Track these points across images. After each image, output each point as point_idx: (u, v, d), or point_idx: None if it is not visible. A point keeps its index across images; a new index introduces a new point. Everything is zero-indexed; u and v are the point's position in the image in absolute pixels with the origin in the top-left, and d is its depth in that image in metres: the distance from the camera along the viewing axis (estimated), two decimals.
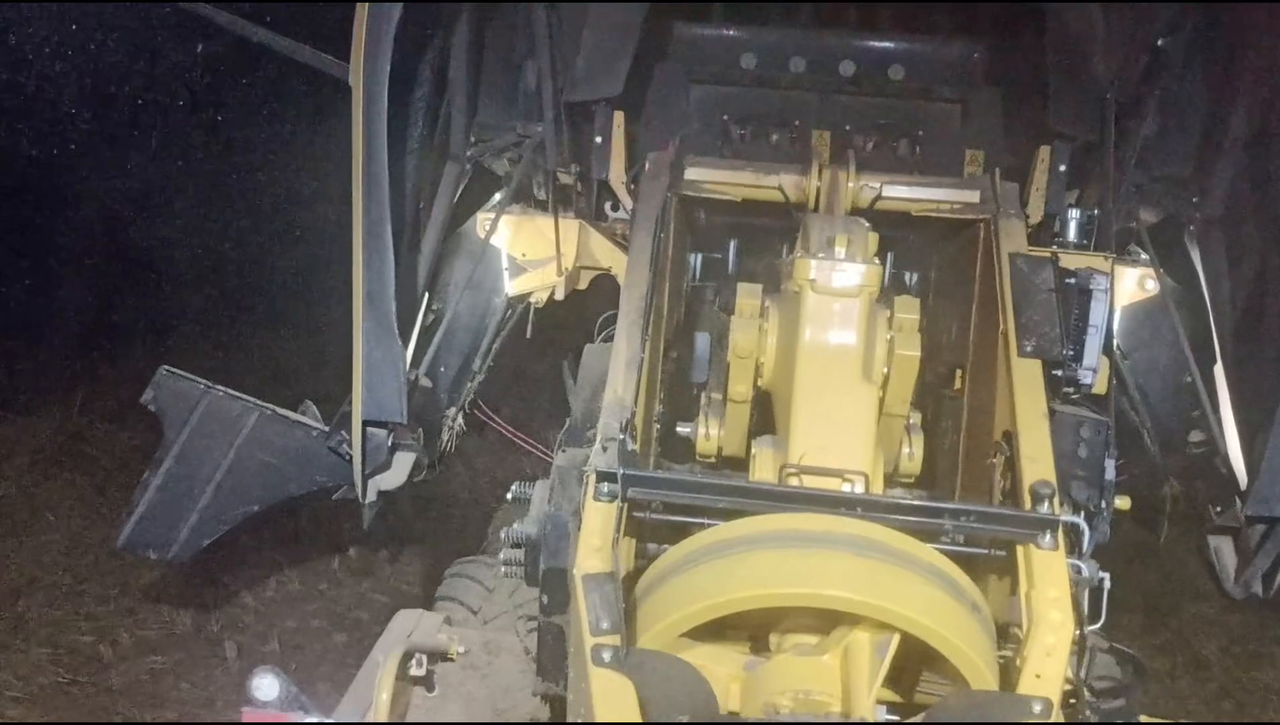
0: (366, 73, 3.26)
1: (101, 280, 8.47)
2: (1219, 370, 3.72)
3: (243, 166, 8.64)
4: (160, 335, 7.85)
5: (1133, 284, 3.97)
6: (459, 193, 4.18)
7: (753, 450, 3.10)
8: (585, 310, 4.35)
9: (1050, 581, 2.48)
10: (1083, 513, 2.89)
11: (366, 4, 3.25)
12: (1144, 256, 3.99)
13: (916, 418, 3.41)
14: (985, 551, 2.69)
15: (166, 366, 3.76)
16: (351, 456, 3.53)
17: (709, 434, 3.38)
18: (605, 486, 2.58)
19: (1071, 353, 3.24)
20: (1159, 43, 3.80)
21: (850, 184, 3.73)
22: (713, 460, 3.47)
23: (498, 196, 4.29)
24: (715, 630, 2.51)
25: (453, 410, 4.09)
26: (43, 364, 7.79)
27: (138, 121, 8.81)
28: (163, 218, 8.59)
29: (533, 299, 4.29)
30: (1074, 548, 2.61)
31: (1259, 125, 3.65)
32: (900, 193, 3.78)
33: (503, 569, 2.84)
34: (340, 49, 3.36)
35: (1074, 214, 4.06)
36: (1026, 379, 3.04)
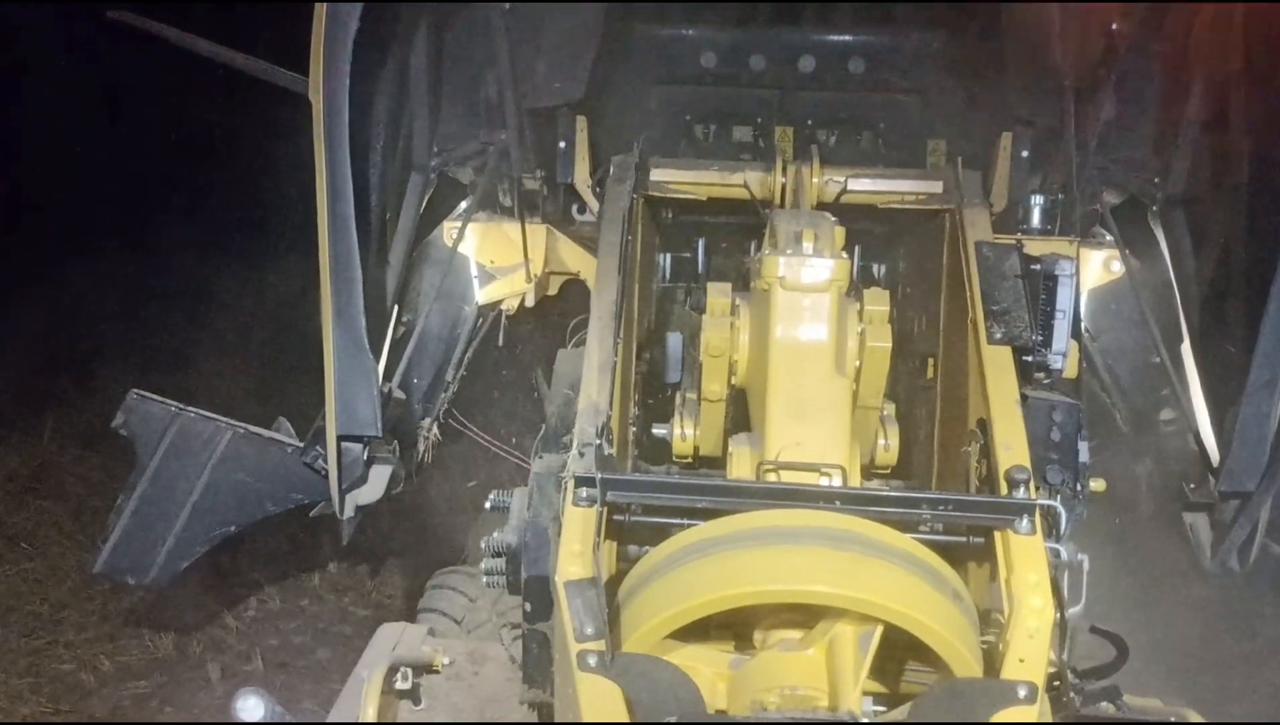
0: (326, 85, 3.24)
1: (67, 303, 8.39)
2: (1186, 348, 3.75)
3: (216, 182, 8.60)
4: (128, 357, 7.77)
5: (1098, 266, 4.00)
6: (424, 203, 4.17)
7: (729, 448, 3.10)
8: (558, 316, 4.34)
9: (1029, 566, 2.50)
10: (1059, 496, 2.91)
11: (324, 15, 3.23)
12: (1109, 238, 4.02)
13: (891, 409, 3.42)
14: (964, 539, 2.71)
15: (136, 389, 3.73)
16: (328, 472, 3.51)
17: (685, 434, 3.38)
18: (584, 491, 2.58)
19: (1040, 338, 3.26)
20: (1113, 25, 3.83)
21: (815, 179, 3.75)
22: (690, 460, 3.47)
23: (463, 205, 4.28)
24: (700, 630, 2.51)
25: (427, 421, 4.07)
26: (10, 390, 7.70)
27: (103, 138, 8.76)
28: (129, 237, 8.54)
29: (503, 306, 4.28)
30: (1052, 531, 2.63)
31: (1215, 104, 3.69)
32: (865, 186, 3.81)
33: (484, 579, 2.83)
34: (300, 65, 3.34)
35: (1038, 199, 4.08)
36: (997, 366, 3.06)
